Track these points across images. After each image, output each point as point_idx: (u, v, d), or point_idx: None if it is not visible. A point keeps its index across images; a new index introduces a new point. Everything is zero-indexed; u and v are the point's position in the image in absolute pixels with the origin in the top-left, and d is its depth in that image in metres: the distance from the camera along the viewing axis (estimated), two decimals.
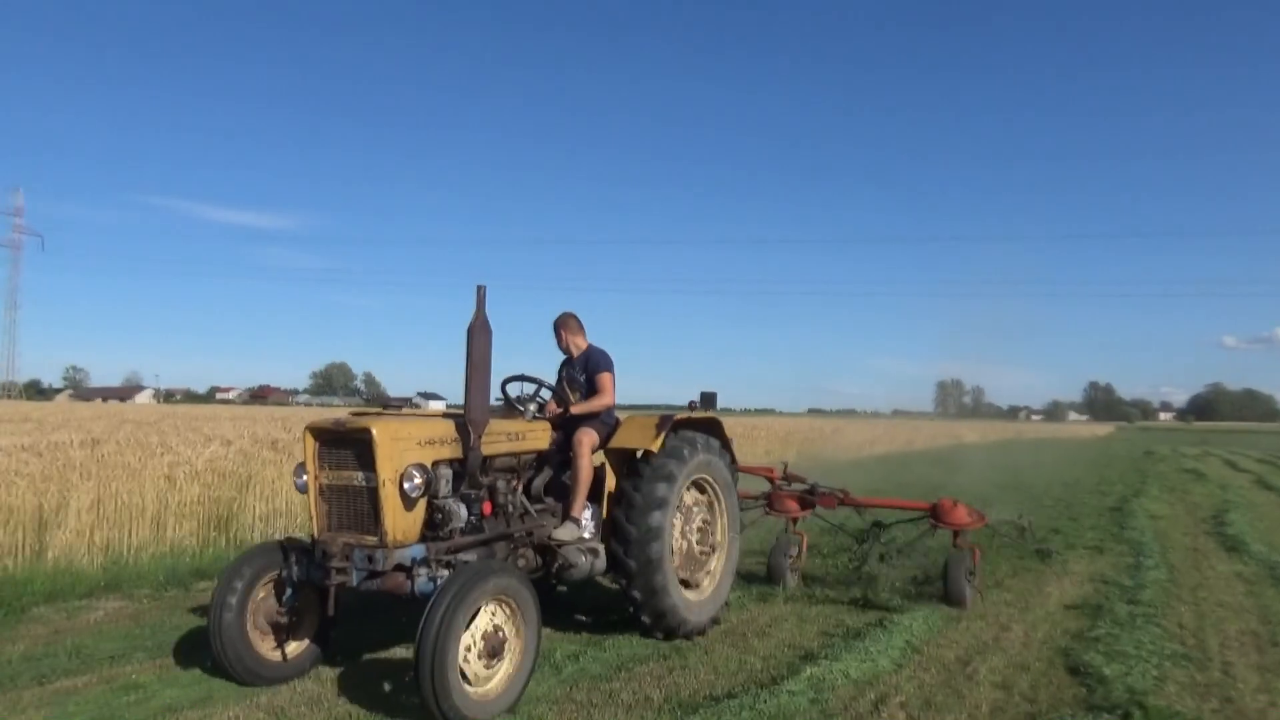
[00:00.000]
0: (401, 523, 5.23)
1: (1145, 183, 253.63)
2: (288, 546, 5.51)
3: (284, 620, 5.49)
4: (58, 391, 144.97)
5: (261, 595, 5.48)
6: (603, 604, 7.44)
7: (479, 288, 5.49)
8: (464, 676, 4.73)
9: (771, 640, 6.65)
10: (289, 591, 5.46)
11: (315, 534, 5.40)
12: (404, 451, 5.25)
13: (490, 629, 4.90)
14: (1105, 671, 5.71)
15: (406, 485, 5.19)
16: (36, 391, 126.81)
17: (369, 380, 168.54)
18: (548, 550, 6.21)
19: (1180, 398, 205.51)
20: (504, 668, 4.98)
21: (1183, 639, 6.72)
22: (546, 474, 6.64)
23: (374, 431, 5.16)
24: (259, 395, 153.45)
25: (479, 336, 5.46)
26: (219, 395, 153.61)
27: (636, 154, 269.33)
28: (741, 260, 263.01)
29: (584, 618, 7.20)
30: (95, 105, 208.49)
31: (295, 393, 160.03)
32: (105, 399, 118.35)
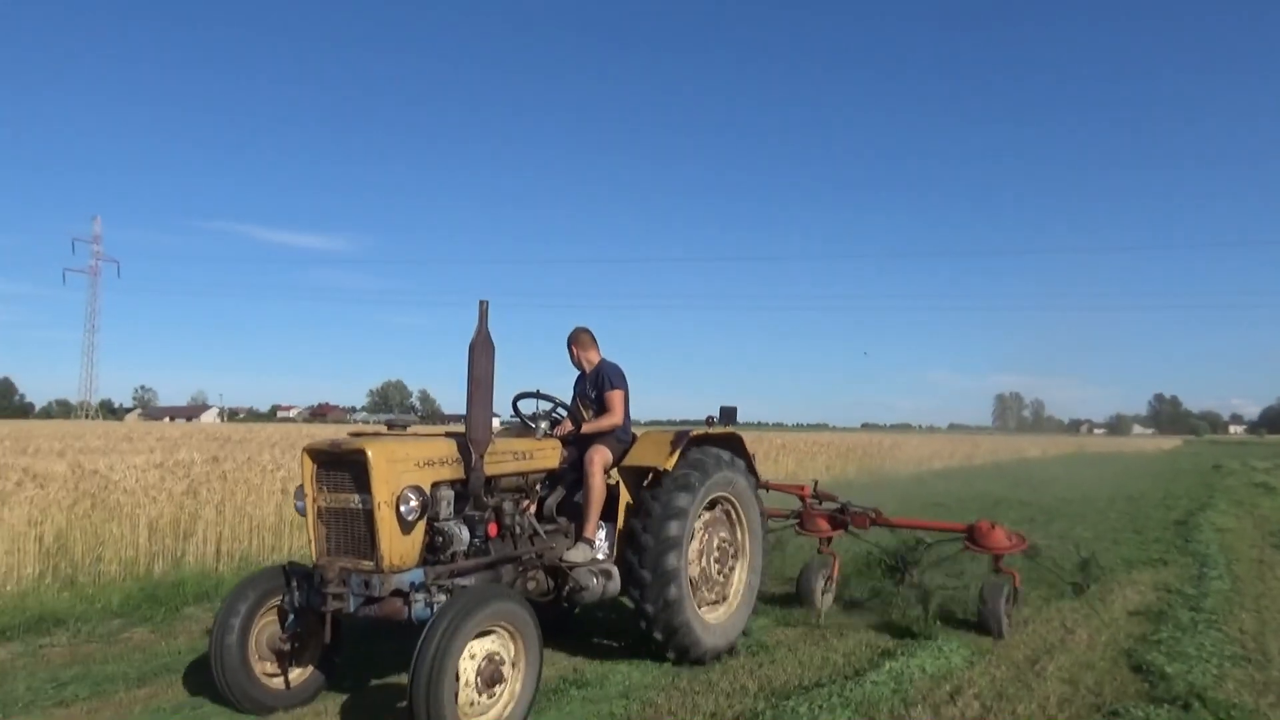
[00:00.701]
0: (398, 546, 5.09)
1: (1215, 191, 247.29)
2: (290, 571, 5.39)
3: (286, 647, 5.36)
4: (128, 411, 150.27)
5: (264, 621, 5.37)
6: (619, 627, 7.24)
7: (481, 303, 5.37)
8: (460, 707, 4.58)
9: (849, 639, 7.05)
10: (291, 617, 5.33)
11: (314, 558, 5.29)
12: (401, 473, 5.12)
13: (488, 657, 4.75)
14: (1167, 669, 6.05)
15: (403, 508, 5.05)
16: (108, 411, 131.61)
17: (424, 398, 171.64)
18: (559, 572, 6.03)
19: (1252, 410, 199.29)
20: (503, 697, 4.83)
21: (1243, 643, 6.98)
22: (559, 494, 6.49)
23: (369, 453, 5.04)
24: (319, 413, 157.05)
25: (481, 353, 5.33)
26: (280, 414, 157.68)
27: (690, 170, 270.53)
28: (794, 275, 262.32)
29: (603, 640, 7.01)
30: (158, 132, 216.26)
31: (353, 410, 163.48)
32: (173, 418, 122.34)
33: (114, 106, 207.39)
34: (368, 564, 5.09)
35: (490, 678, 4.74)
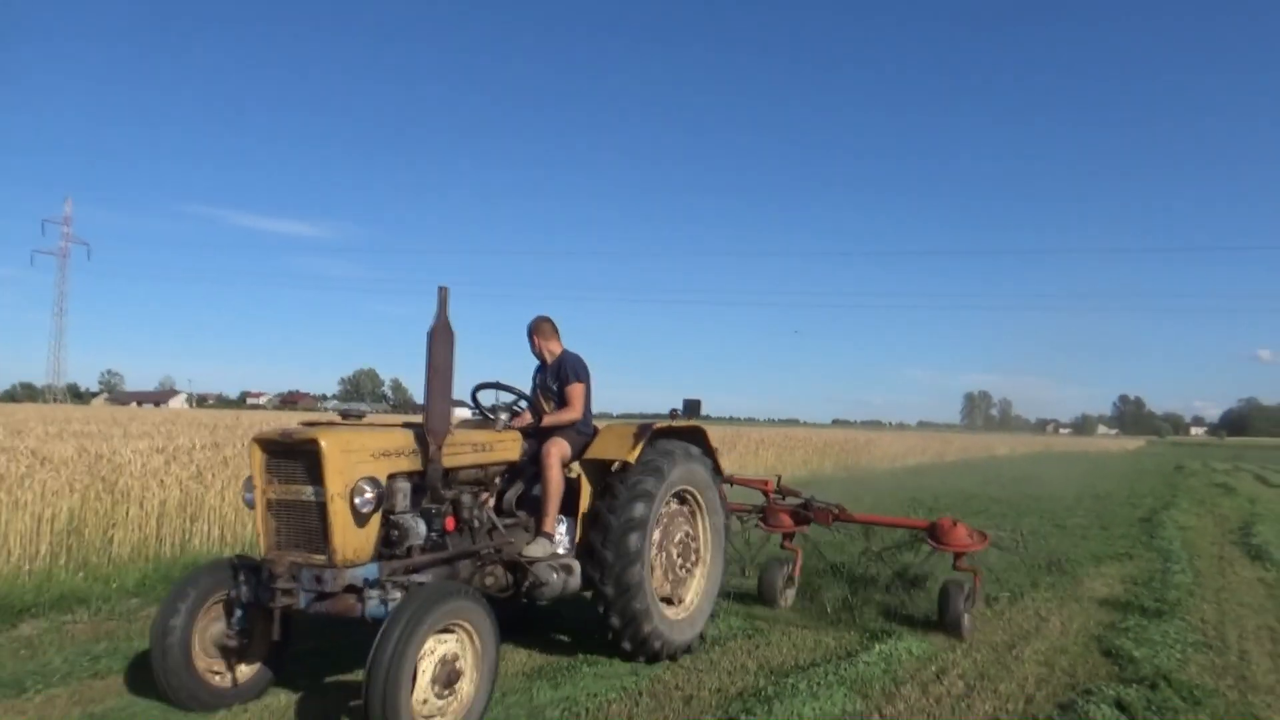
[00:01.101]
0: (352, 540, 4.92)
1: (1180, 196, 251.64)
2: (238, 565, 5.18)
3: (233, 643, 5.15)
4: (94, 395, 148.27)
5: (209, 617, 5.18)
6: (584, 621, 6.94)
7: (441, 289, 5.19)
8: (415, 707, 4.46)
9: (808, 635, 7.12)
10: (238, 613, 5.14)
11: (263, 552, 5.11)
12: (356, 464, 4.94)
13: (445, 657, 4.62)
14: (1135, 654, 6.54)
15: (357, 500, 4.87)
16: (74, 395, 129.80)
17: (396, 386, 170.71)
18: (518, 568, 5.89)
19: (1213, 412, 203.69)
20: (459, 698, 4.72)
21: (1204, 631, 7.49)
22: (519, 487, 6.33)
23: (322, 443, 4.85)
24: (289, 400, 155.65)
25: (440, 340, 5.15)
26: (250, 400, 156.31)
27: (669, 165, 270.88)
28: (768, 271, 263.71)
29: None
30: (131, 114, 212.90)
31: (324, 398, 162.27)
32: (140, 403, 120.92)
33: (89, 86, 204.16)
34: (320, 558, 4.91)
35: (447, 677, 4.62)
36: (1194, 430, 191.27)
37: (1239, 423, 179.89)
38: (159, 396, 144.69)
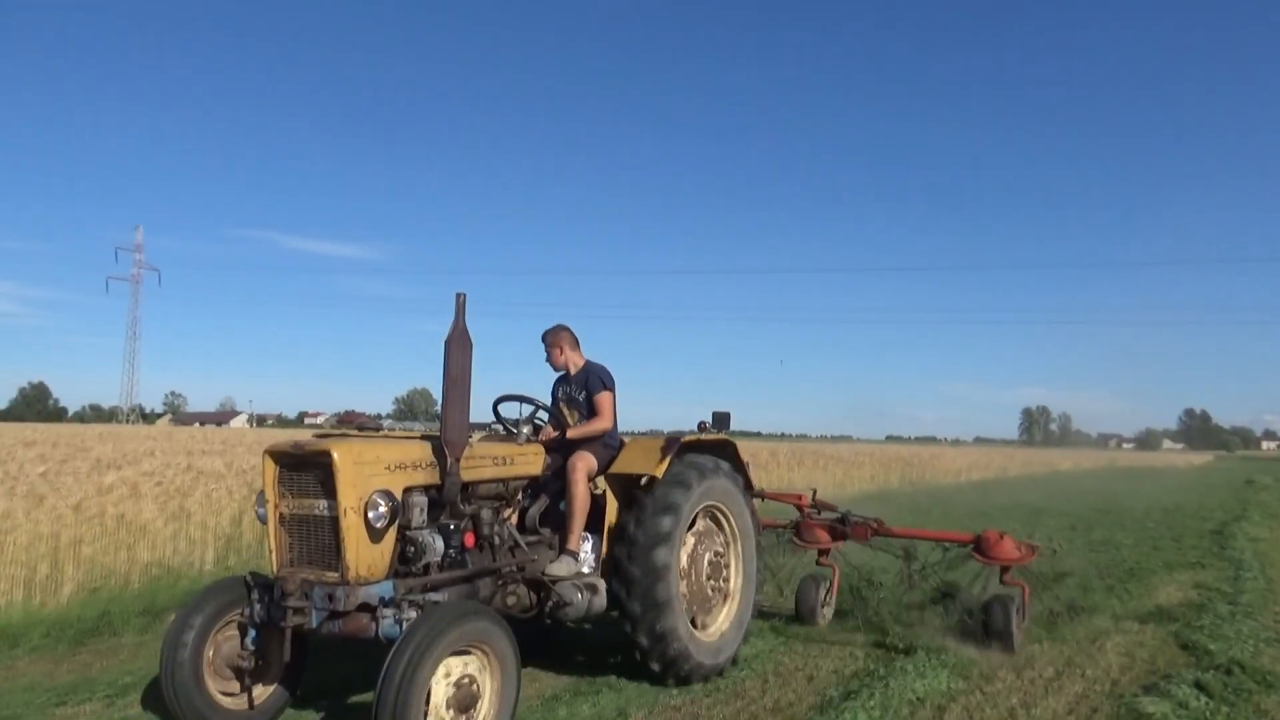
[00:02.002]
0: (366, 556, 4.75)
1: (1246, 205, 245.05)
2: (252, 582, 5.02)
3: (246, 664, 4.99)
4: (159, 416, 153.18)
5: (223, 636, 5.04)
6: (609, 643, 6.77)
7: (458, 295, 5.04)
8: None
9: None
10: (252, 632, 4.99)
11: (274, 569, 4.95)
12: (370, 477, 4.78)
13: (461, 680, 4.43)
14: (1210, 647, 6.99)
15: (371, 514, 4.71)
16: (140, 416, 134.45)
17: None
18: (541, 587, 5.71)
19: None
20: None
21: (1276, 630, 7.88)
22: (543, 503, 6.16)
23: (335, 454, 4.70)
24: (345, 420, 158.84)
25: (457, 349, 4.98)
26: (307, 420, 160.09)
27: (719, 183, 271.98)
28: (817, 287, 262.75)
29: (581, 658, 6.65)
30: (180, 140, 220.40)
31: (379, 417, 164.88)
32: (202, 424, 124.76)
33: (153, 116, 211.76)
34: (332, 575, 4.74)
35: (463, 702, 4.43)
36: (1265, 444, 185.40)
37: None
38: (220, 417, 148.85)
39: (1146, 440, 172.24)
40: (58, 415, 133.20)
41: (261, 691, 5.17)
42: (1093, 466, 53.37)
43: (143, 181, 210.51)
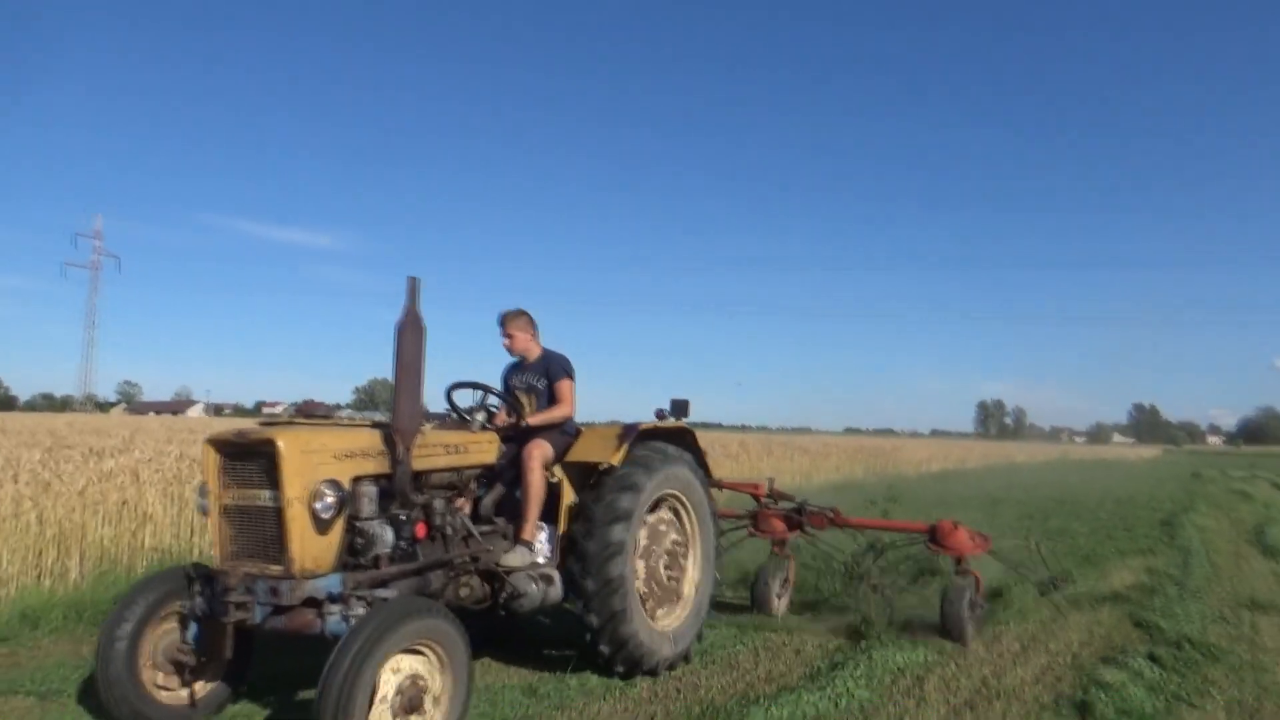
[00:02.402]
0: (312, 549, 4.57)
1: (1196, 206, 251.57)
2: (193, 574, 4.83)
3: (187, 658, 4.78)
4: (112, 405, 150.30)
5: (162, 629, 4.85)
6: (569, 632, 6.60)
7: (410, 279, 4.86)
8: None
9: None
10: (194, 626, 4.79)
11: (217, 562, 4.77)
12: (317, 466, 4.60)
13: (408, 681, 4.27)
14: (1162, 624, 7.55)
15: (317, 505, 4.53)
16: (93, 404, 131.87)
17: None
18: (495, 578, 5.60)
19: (1229, 421, 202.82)
20: None
21: (1221, 610, 8.46)
22: (498, 492, 6.02)
23: (279, 443, 4.52)
24: (303, 409, 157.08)
25: (410, 334, 4.81)
26: (265, 409, 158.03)
27: (686, 175, 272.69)
28: (777, 281, 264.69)
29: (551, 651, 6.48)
30: (143, 123, 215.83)
31: (339, 407, 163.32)
32: (158, 413, 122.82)
33: (114, 102, 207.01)
34: (276, 569, 4.56)
35: (411, 703, 4.27)
36: (1210, 439, 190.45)
37: (1256, 431, 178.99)
38: (176, 406, 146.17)
39: (1097, 434, 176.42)
40: (8, 404, 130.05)
41: (203, 687, 5.02)
42: (1046, 459, 54.86)
43: (102, 167, 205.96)
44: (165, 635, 4.89)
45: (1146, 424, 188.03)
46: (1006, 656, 6.73)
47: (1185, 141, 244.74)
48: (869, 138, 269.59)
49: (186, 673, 4.90)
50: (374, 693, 4.11)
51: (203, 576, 4.79)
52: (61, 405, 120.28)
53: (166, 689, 4.91)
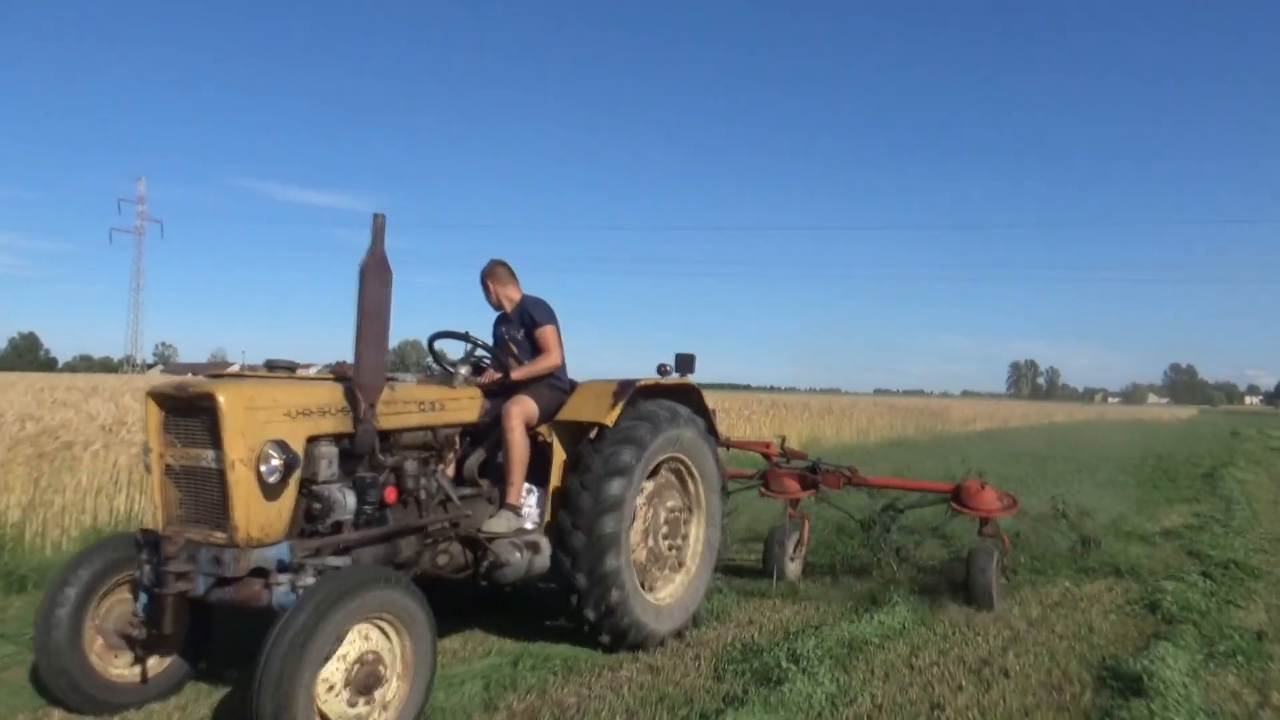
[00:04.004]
0: (259, 515, 4.17)
1: (1236, 166, 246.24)
2: (142, 540, 4.44)
3: (137, 632, 4.40)
4: (150, 367, 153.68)
5: (112, 600, 4.49)
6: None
7: (376, 217, 4.44)
8: (324, 718, 3.74)
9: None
10: (143, 597, 4.38)
11: (160, 527, 4.37)
12: (264, 424, 4.19)
13: (363, 658, 3.88)
14: (1211, 553, 8.79)
15: (263, 468, 4.12)
16: (133, 367, 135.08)
17: (440, 356, 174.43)
18: (478, 544, 5.20)
19: (1268, 381, 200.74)
20: (381, 706, 3.97)
21: (1261, 544, 9.72)
22: (482, 453, 5.59)
23: (220, 398, 4.09)
24: (336, 370, 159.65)
25: (374, 278, 4.38)
26: (300, 371, 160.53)
27: (713, 139, 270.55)
28: (807, 245, 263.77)
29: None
30: (175, 89, 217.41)
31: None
32: (195, 374, 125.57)
33: (155, 70, 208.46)
34: (220, 536, 4.18)
35: (365, 683, 3.88)
36: (1248, 399, 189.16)
37: None
38: (213, 368, 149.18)
39: (1132, 394, 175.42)
40: (49, 365, 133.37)
41: (157, 663, 4.64)
42: (1085, 419, 56.02)
43: (142, 132, 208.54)
44: (116, 606, 4.52)
45: (1183, 384, 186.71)
46: (1083, 575, 8.11)
47: (1226, 96, 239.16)
48: (896, 94, 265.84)
49: (138, 647, 4.51)
50: (320, 672, 3.71)
51: (150, 543, 4.37)
52: (100, 367, 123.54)
53: (116, 664, 4.53)
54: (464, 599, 5.96)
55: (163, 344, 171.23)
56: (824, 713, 4.57)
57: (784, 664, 5.10)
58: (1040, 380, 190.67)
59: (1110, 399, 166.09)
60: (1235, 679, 5.21)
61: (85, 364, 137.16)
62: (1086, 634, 6.13)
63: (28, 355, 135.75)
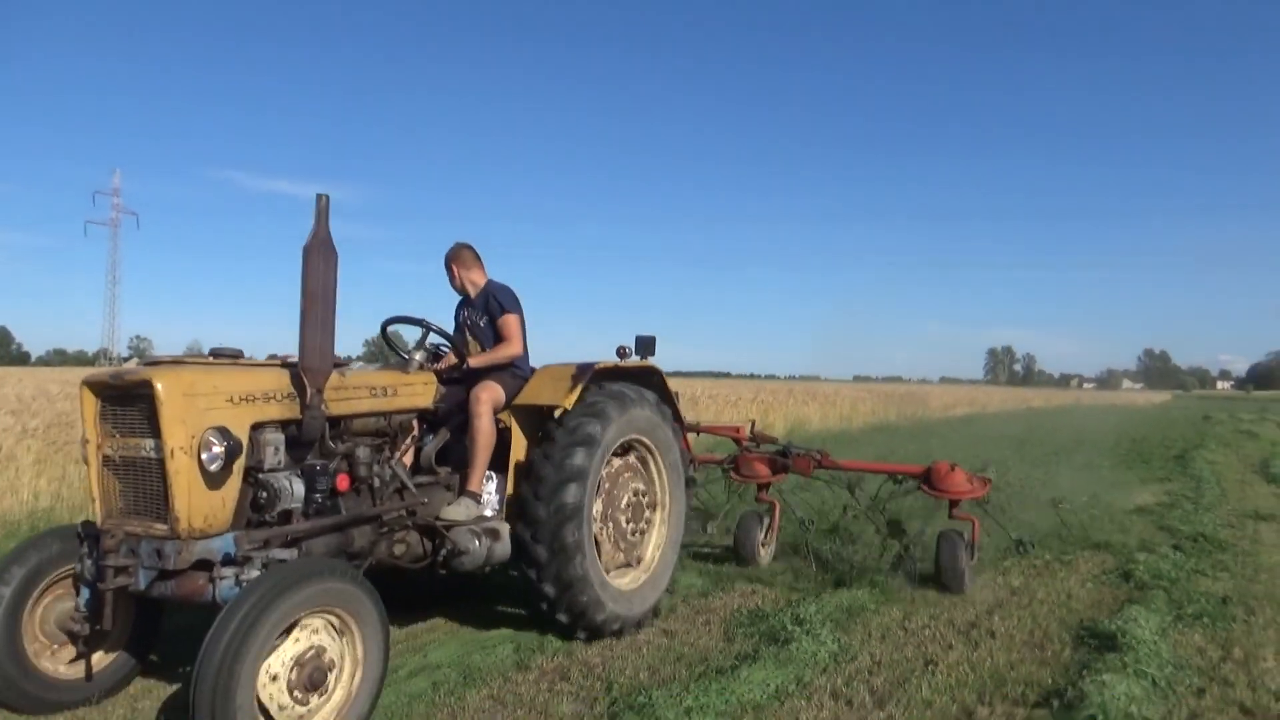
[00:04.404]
0: (201, 506, 4.04)
1: (1208, 153, 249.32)
2: (83, 533, 4.34)
3: (79, 628, 4.26)
4: (125, 360, 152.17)
5: (50, 597, 4.39)
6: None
7: (320, 197, 4.32)
8: (268, 716, 3.62)
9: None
10: (85, 591, 4.27)
11: (99, 520, 4.26)
12: (205, 411, 4.07)
13: (309, 653, 3.75)
14: (1181, 527, 9.24)
15: (204, 456, 4.00)
16: (109, 360, 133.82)
17: (394, 341, 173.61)
18: (437, 533, 5.11)
19: (1240, 366, 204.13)
20: (331, 702, 3.86)
21: (1229, 520, 10.09)
22: (441, 439, 5.48)
23: (157, 385, 3.97)
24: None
25: (318, 259, 4.27)
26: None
27: (696, 125, 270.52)
28: (788, 234, 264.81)
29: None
30: (152, 80, 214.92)
31: (349, 360, 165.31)
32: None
33: (124, 63, 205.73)
34: (162, 528, 4.05)
35: (311, 680, 3.76)
36: (1220, 384, 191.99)
37: (1266, 376, 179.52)
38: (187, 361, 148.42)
39: (1107, 380, 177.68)
40: (22, 360, 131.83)
41: (102, 659, 4.53)
42: (1061, 404, 57.05)
43: (117, 124, 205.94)
44: (57, 603, 4.41)
45: (1157, 370, 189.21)
46: (1061, 545, 8.50)
47: (1202, 85, 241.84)
48: (875, 84, 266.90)
49: (80, 643, 4.39)
50: (264, 669, 3.60)
51: (91, 537, 4.26)
52: (75, 360, 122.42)
53: (57, 661, 4.43)
54: (424, 590, 5.97)
55: (138, 337, 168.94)
56: (829, 668, 4.99)
57: (789, 626, 5.51)
58: (1017, 367, 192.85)
59: (1085, 385, 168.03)
60: (1201, 638, 5.57)
61: (59, 358, 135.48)
62: (1065, 600, 6.55)
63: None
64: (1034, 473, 13.26)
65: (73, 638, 4.40)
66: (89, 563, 4.22)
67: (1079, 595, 6.69)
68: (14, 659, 4.23)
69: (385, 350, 5.07)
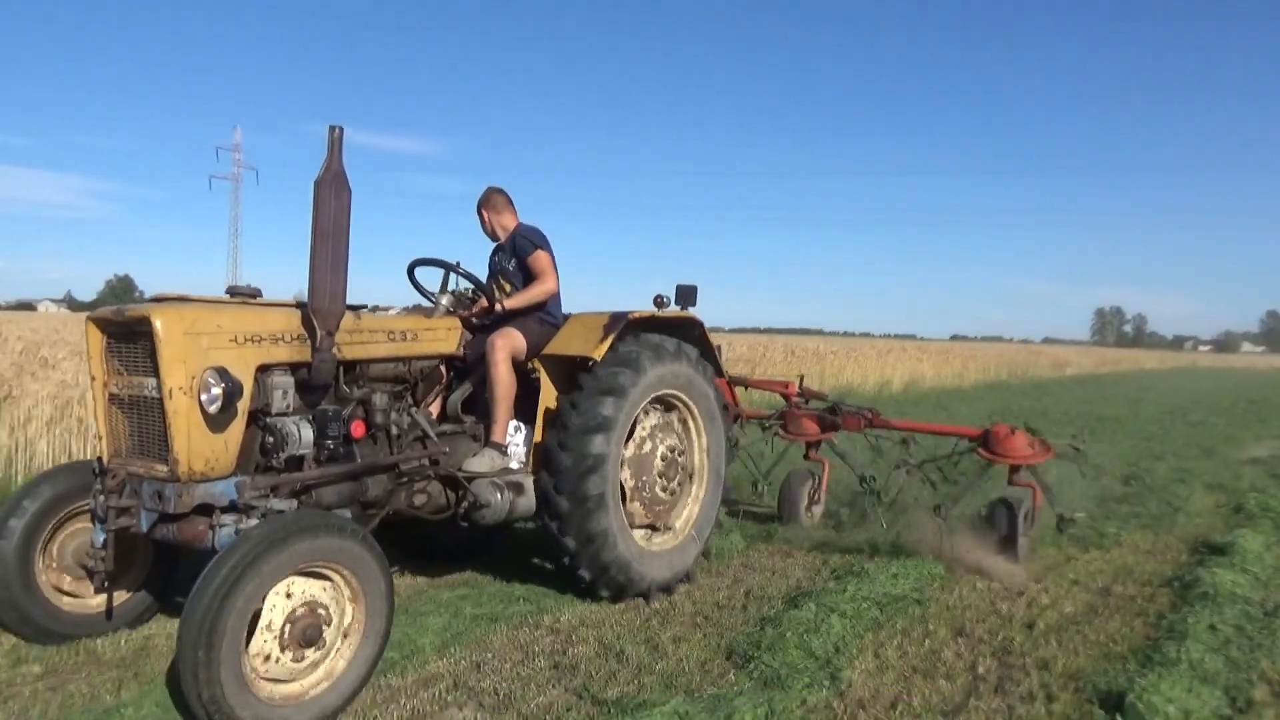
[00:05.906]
0: (202, 448, 3.94)
1: None
2: (97, 469, 4.28)
3: (96, 564, 4.22)
4: None
5: (67, 531, 4.40)
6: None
7: (332, 129, 4.15)
8: (257, 672, 3.47)
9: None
10: (98, 528, 4.21)
11: (105, 458, 4.22)
12: (206, 351, 3.96)
13: (303, 607, 3.59)
14: None
15: (203, 397, 3.89)
16: None
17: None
18: (458, 484, 4.98)
19: None
20: (327, 660, 3.70)
21: None
22: (467, 387, 5.37)
23: (156, 322, 3.87)
24: (410, 314, 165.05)
25: (329, 194, 4.10)
26: (378, 312, 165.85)
27: (801, 87, 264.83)
28: (885, 189, 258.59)
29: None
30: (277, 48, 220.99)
31: (435, 309, 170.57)
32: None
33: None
34: (163, 469, 3.98)
35: (305, 636, 3.60)
36: None
37: None
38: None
39: (1225, 343, 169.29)
40: None
41: (121, 595, 4.54)
42: (1176, 366, 56.09)
43: (239, 84, 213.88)
44: (74, 538, 4.41)
45: None
46: (1189, 480, 9.51)
47: None
48: (971, 37, 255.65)
49: (98, 579, 4.39)
50: (256, 620, 3.48)
51: (103, 474, 4.22)
52: None
53: (74, 595, 4.44)
54: (450, 542, 5.92)
55: (247, 285, 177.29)
56: (912, 607, 5.24)
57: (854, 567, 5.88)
58: (1126, 328, 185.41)
59: (1201, 347, 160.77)
60: None
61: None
62: (1184, 522, 7.59)
63: (125, 298, 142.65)
64: (1135, 443, 13.38)
65: (90, 573, 4.38)
66: (102, 499, 4.16)
67: (1195, 521, 7.65)
68: (27, 591, 4.26)
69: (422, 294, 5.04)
